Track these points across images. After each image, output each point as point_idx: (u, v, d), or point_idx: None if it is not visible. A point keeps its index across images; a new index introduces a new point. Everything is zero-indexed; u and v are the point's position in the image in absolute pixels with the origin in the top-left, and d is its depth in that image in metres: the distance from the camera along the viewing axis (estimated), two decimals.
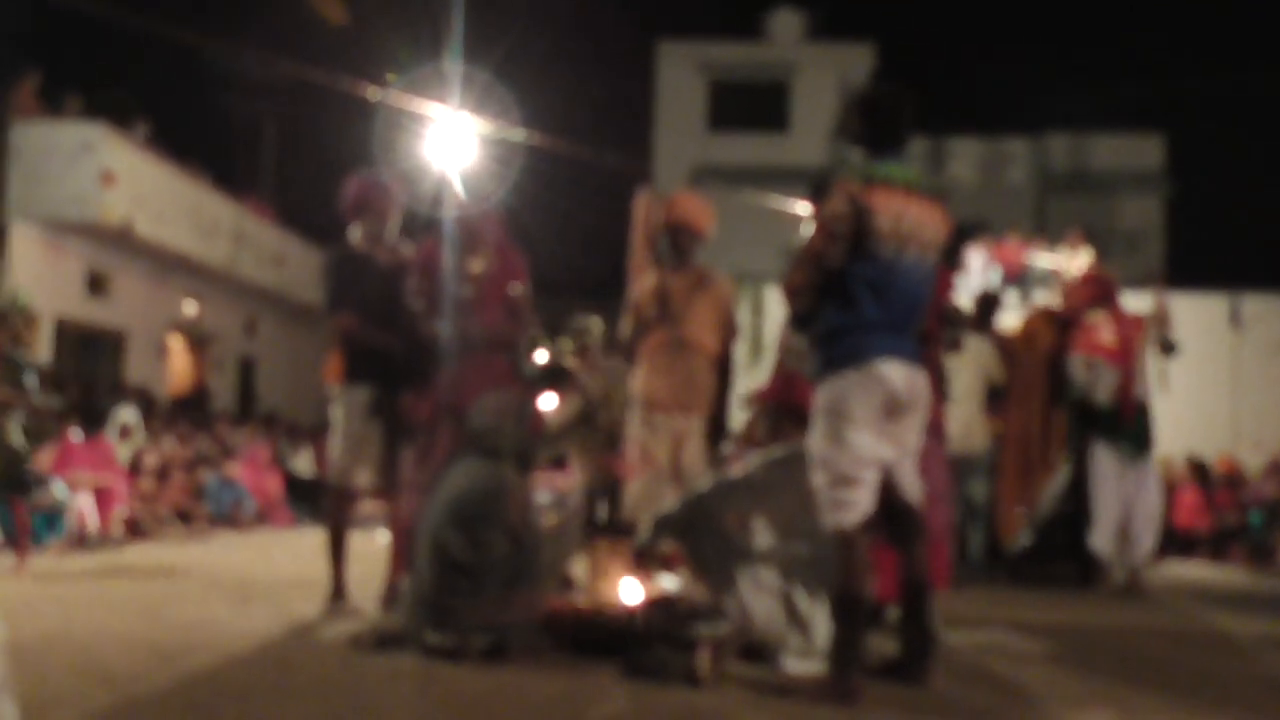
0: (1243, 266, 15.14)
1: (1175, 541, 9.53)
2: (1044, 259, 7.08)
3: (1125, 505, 6.20)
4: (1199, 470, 10.49)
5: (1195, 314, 12.27)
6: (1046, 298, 6.93)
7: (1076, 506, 6.44)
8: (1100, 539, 6.22)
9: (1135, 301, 6.84)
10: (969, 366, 6.44)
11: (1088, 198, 19.32)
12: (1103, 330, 6.35)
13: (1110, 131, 19.87)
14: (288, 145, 18.90)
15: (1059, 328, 6.67)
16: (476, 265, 4.50)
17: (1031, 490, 6.63)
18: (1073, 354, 6.40)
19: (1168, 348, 6.52)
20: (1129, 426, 6.25)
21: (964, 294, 6.86)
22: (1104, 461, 6.24)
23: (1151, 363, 6.55)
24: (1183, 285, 13.13)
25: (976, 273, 6.94)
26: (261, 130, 18.87)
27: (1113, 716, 3.05)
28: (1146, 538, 6.26)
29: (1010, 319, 6.84)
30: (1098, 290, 6.57)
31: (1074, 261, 7.02)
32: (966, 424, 6.41)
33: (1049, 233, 11.94)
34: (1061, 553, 6.56)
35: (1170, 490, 9.93)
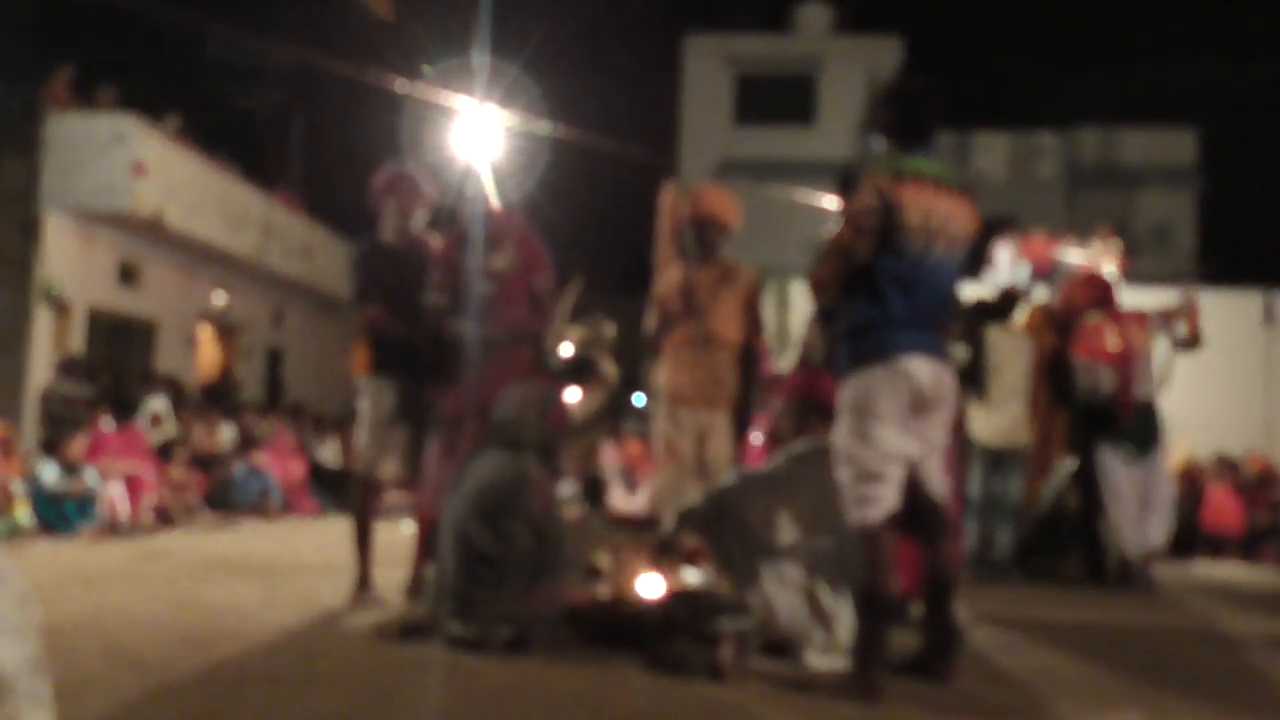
0: (1276, 263, 14.92)
1: (1205, 542, 9.42)
2: (1073, 254, 7.02)
3: (1139, 501, 6.24)
4: (1230, 469, 10.35)
5: (1227, 311, 12.10)
6: (1054, 296, 6.92)
7: (1086, 505, 6.44)
8: (1128, 541, 6.22)
9: (1162, 297, 6.80)
10: (1015, 363, 6.43)
11: (1118, 192, 19.10)
12: (1104, 332, 6.36)
13: (1141, 125, 19.63)
14: (316, 137, 19.02)
15: (1059, 328, 6.65)
16: (499, 261, 4.50)
17: (1036, 487, 6.64)
18: (1075, 357, 6.41)
19: (1189, 343, 6.48)
20: (1129, 427, 6.27)
21: (989, 288, 6.83)
22: (1110, 462, 6.27)
23: (1161, 359, 6.55)
24: (1215, 281, 12.95)
25: (1004, 268, 6.88)
26: (290, 122, 18.99)
27: (1139, 717, 3.02)
28: (1158, 531, 6.29)
29: (1023, 316, 6.84)
30: (1096, 292, 6.56)
31: (1103, 257, 6.95)
32: (1013, 419, 6.40)
33: (1078, 228, 11.83)
34: (1066, 549, 6.55)
35: (1200, 490, 9.82)
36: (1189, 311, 6.50)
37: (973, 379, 6.13)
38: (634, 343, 6.05)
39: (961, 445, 5.77)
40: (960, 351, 6.06)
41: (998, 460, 6.38)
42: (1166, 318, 6.56)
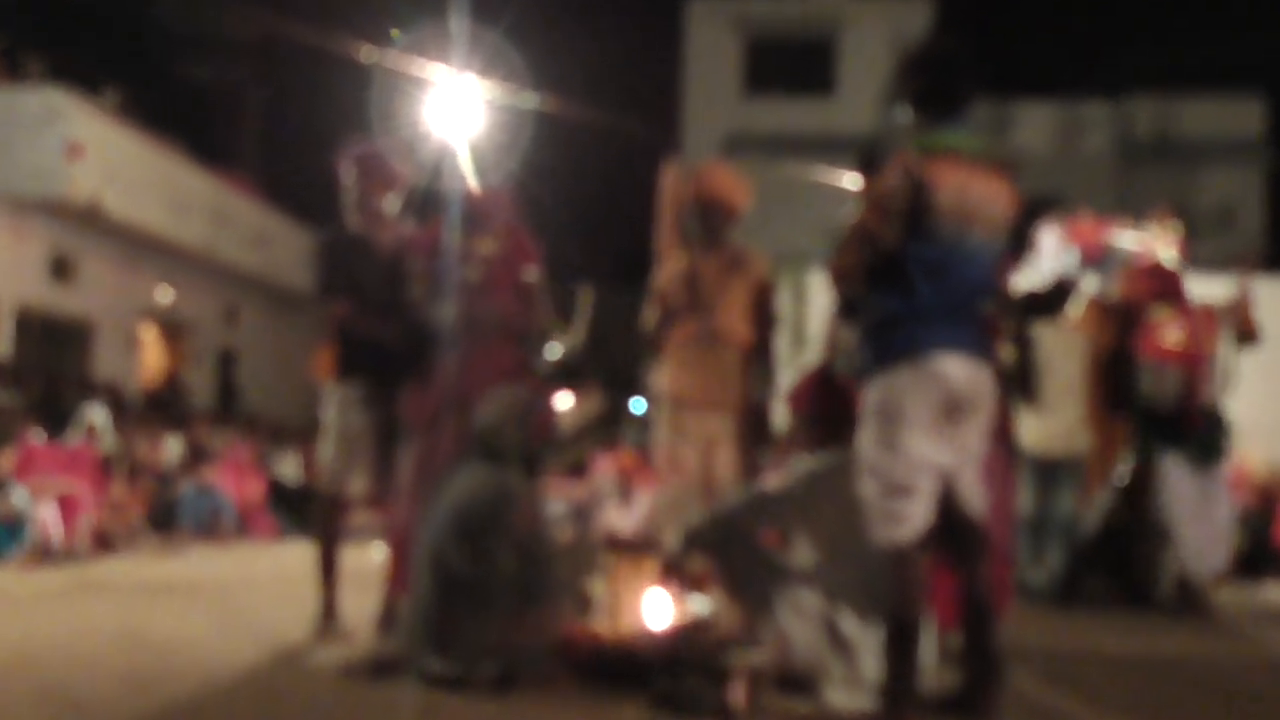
0: None
1: (1277, 562, 9.42)
2: (1127, 239, 7.02)
3: (1201, 517, 6.26)
4: None
5: None
6: (1106, 286, 6.92)
7: (1141, 521, 6.44)
8: (1192, 562, 6.23)
9: (1219, 286, 6.80)
10: (1067, 363, 6.43)
11: (1176, 169, 19.12)
12: (1169, 329, 6.36)
13: (1202, 94, 19.64)
14: (274, 113, 19.03)
15: (1117, 323, 6.65)
16: (485, 246, 4.51)
17: (1090, 501, 6.64)
18: (1140, 357, 6.41)
19: (1242, 339, 6.50)
20: (1194, 434, 6.29)
21: (1036, 278, 6.82)
22: (1173, 473, 6.27)
23: (1226, 358, 6.56)
24: (1273, 267, 12.93)
25: (1050, 255, 6.88)
26: (244, 97, 18.99)
27: None
28: (1216, 553, 6.29)
29: (1076, 310, 6.84)
30: (1160, 283, 6.55)
31: (1161, 242, 6.96)
32: (1069, 424, 6.40)
33: (1132, 209, 11.83)
34: (1119, 571, 6.57)
35: (1273, 504, 9.82)
36: (1242, 303, 6.50)
37: (1021, 382, 6.13)
38: (632, 341, 6.06)
39: (1010, 456, 5.76)
40: (1006, 351, 6.06)
41: (1049, 472, 6.39)
42: (1228, 312, 6.56)
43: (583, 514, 9.56)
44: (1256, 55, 20.26)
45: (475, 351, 4.42)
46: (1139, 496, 6.48)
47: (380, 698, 3.41)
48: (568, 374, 6.15)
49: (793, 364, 10.27)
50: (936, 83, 3.39)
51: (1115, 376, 6.58)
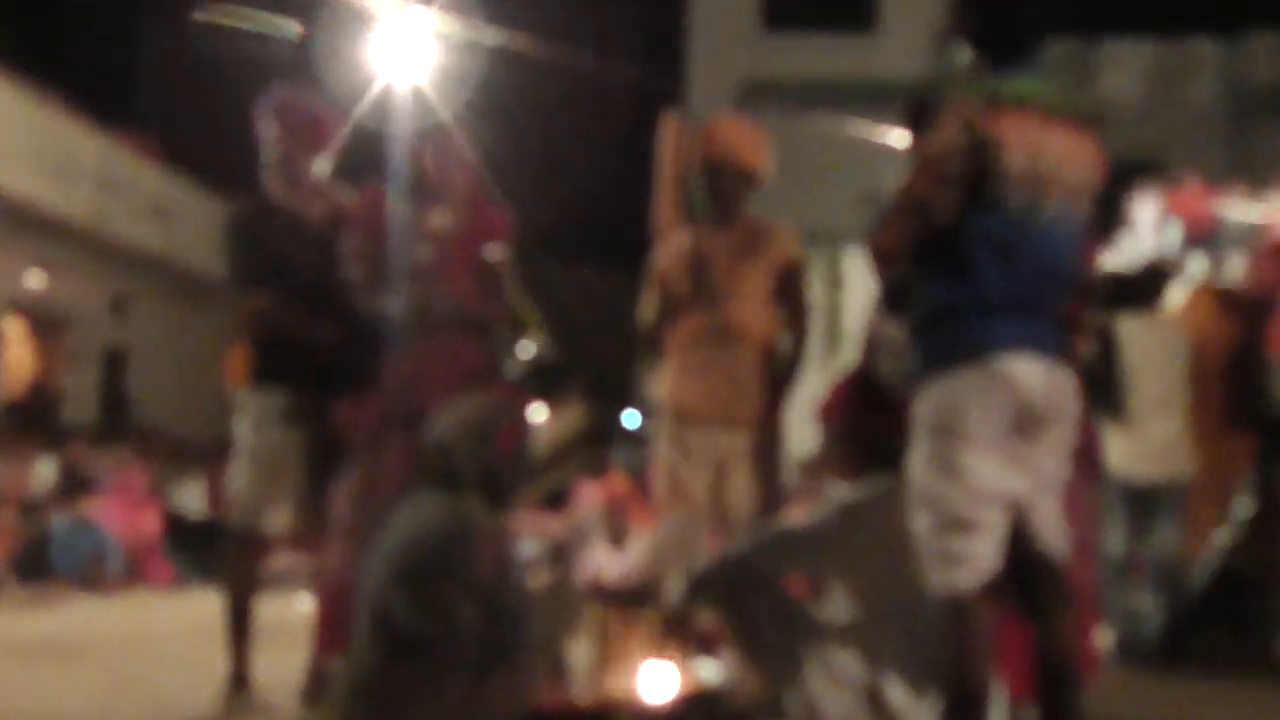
0: None
1: None
2: (1243, 210, 7.05)
3: None
4: None
5: None
6: (1240, 265, 6.95)
7: (1258, 563, 6.46)
8: None
9: None
10: (1163, 365, 6.45)
11: None
12: None
13: None
14: (175, 56, 19.02)
15: (1238, 315, 6.67)
16: (438, 219, 4.52)
17: (1198, 537, 6.65)
18: (1272, 355, 6.43)
19: None
20: None
21: (1128, 259, 6.86)
22: None
23: None
24: None
25: (1146, 230, 6.91)
26: (139, 40, 18.99)
27: None
28: None
29: (1176, 298, 6.87)
30: None
31: None
32: (1166, 441, 6.42)
33: (1249, 172, 11.85)
34: (1241, 625, 6.59)
35: None
36: None
37: (1107, 389, 6.14)
38: (625, 338, 6.08)
39: (1096, 482, 5.78)
40: (1090, 350, 6.08)
41: (1145, 501, 6.41)
42: None
43: (562, 555, 9.55)
44: None
45: (428, 351, 4.43)
46: (1264, 531, 6.50)
47: None
48: (544, 378, 6.15)
49: (826, 366, 10.30)
50: (1002, 16, 3.40)
51: (1234, 381, 6.59)
